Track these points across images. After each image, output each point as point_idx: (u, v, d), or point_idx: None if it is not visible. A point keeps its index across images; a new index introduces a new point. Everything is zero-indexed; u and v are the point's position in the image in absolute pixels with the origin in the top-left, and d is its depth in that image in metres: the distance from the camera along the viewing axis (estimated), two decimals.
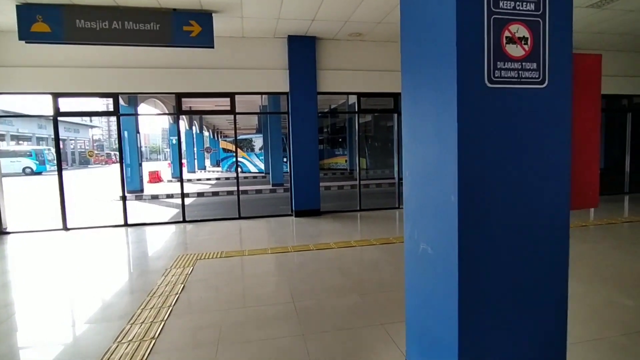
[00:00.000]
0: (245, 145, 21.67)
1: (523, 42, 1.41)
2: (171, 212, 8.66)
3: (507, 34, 1.40)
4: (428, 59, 1.58)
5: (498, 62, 1.40)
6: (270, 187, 13.41)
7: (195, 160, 25.01)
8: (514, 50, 1.41)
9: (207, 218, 7.37)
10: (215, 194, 12.49)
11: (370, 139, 22.86)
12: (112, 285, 3.83)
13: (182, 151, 23.57)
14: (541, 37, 1.43)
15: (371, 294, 3.37)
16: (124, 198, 7.00)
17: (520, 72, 1.42)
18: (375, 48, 7.58)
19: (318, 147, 7.46)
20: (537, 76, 1.44)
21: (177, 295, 3.46)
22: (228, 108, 7.27)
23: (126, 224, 6.92)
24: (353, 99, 13.93)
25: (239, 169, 21.34)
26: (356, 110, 7.81)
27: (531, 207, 1.49)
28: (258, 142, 21.25)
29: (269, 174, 15.22)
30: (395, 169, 15.51)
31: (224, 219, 7.33)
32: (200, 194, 12.34)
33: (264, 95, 13.30)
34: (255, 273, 4.10)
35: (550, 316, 1.56)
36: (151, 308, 3.19)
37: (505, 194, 1.46)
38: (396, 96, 7.88)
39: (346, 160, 21.50)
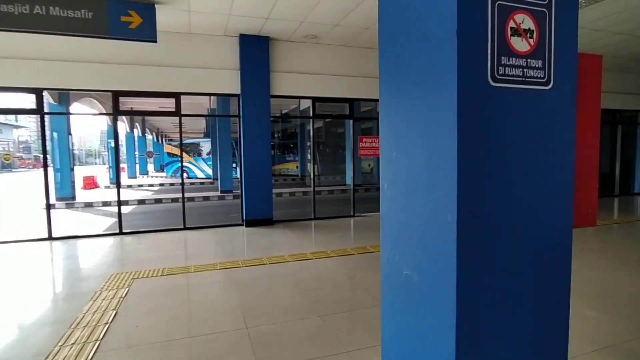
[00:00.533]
0: (192, 149, 20.68)
1: (528, 35, 1.21)
2: (107, 222, 7.81)
3: (512, 24, 1.19)
4: (418, 54, 1.33)
5: (502, 57, 1.18)
6: (218, 193, 12.75)
7: (137, 165, 23.41)
8: (519, 44, 1.20)
9: (148, 229, 6.69)
10: (158, 201, 11.60)
11: (322, 145, 22.85)
12: (24, 316, 3.19)
13: (121, 155, 21.96)
14: (547, 30, 1.24)
15: (333, 315, 3.08)
16: (48, 207, 6.14)
17: (525, 70, 1.22)
18: (330, 52, 7.40)
19: (270, 153, 7.10)
20: (542, 76, 1.24)
21: (107, 325, 2.93)
22: (173, 109, 6.68)
23: (50, 237, 6.06)
24: (305, 104, 13.81)
25: (185, 175, 20.28)
26: (311, 115, 7.56)
27: (539, 226, 1.29)
28: (206, 146, 20.36)
29: (217, 180, 14.52)
30: (348, 175, 15.57)
31: (167, 229, 6.69)
32: (141, 202, 11.40)
33: (212, 98, 12.67)
34: (203, 293, 3.65)
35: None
36: (72, 344, 2.65)
37: (511, 211, 1.24)
38: (352, 102, 7.75)
39: (297, 166, 21.26)
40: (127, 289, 3.71)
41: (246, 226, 6.84)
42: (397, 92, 1.50)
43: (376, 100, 7.98)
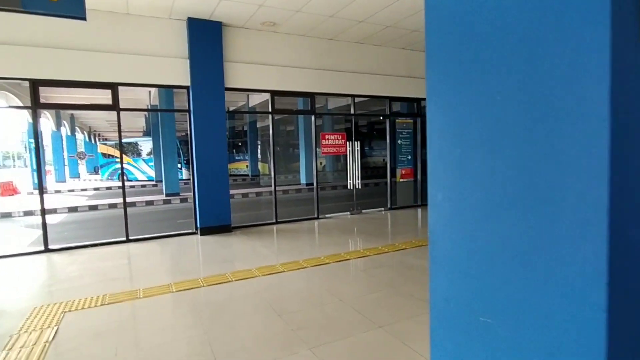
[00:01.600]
0: (130, 149, 19.00)
1: None
2: (30, 237, 6.62)
3: None
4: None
5: None
6: (163, 197, 11.65)
7: (66, 167, 21.04)
8: None
9: (82, 243, 5.69)
10: (93, 208, 10.29)
11: (273, 143, 22.09)
12: None
13: (48, 156, 19.58)
14: None
15: (326, 346, 2.58)
16: None
17: None
18: (291, 41, 6.85)
19: (227, 152, 6.40)
20: None
21: None
22: (109, 102, 5.74)
23: None
24: (255, 100, 13.07)
25: (124, 177, 18.55)
26: (270, 110, 6.95)
27: None
28: (146, 146, 18.80)
29: (161, 182, 13.31)
30: (303, 174, 15.07)
31: (106, 243, 5.75)
32: (72, 209, 10.02)
33: (153, 93, 11.52)
34: (158, 327, 2.96)
35: None
36: None
37: None
38: (313, 96, 7.26)
39: (247, 166, 20.38)
40: (55, 328, 2.91)
41: (201, 234, 6.09)
42: (474, 73, 1.02)
43: (341, 95, 7.57)
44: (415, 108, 8.57)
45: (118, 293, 3.62)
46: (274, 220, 6.97)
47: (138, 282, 3.99)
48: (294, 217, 7.39)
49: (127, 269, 4.57)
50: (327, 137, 7.39)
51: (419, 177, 8.65)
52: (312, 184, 14.59)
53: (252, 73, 6.52)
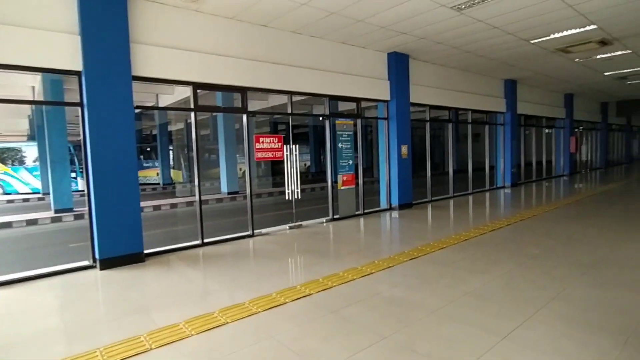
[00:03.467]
0: (9, 156, 15.72)
1: None
2: None
3: None
4: None
5: None
6: (51, 214, 9.37)
7: None
8: None
9: None
10: None
11: (185, 147, 20.17)
12: None
13: None
14: None
15: None
16: None
17: None
18: (218, 24, 5.67)
19: (136, 157, 4.97)
20: None
21: None
22: None
23: None
24: (166, 100, 11.35)
25: None
26: (192, 107, 5.65)
27: None
28: (30, 152, 15.65)
29: (48, 194, 10.84)
30: (223, 182, 13.57)
31: None
32: None
33: (36, 89, 9.22)
34: None
35: None
36: None
37: None
38: (245, 91, 6.13)
39: (157, 174, 18.12)
40: None
41: (101, 268, 4.57)
42: None
43: (277, 92, 6.53)
44: (356, 108, 7.92)
45: None
46: (199, 242, 5.65)
47: (9, 354, 2.53)
48: (223, 233, 6.14)
49: None
50: (262, 140, 6.31)
51: (360, 183, 8.00)
52: (235, 193, 13.29)
53: (168, 60, 5.19)
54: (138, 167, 5.14)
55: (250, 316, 3.10)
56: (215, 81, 5.70)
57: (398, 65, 8.17)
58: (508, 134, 11.99)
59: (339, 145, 7.49)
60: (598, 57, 9.08)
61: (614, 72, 11.20)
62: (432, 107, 9.50)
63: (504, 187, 12.03)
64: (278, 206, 11.03)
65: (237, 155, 14.37)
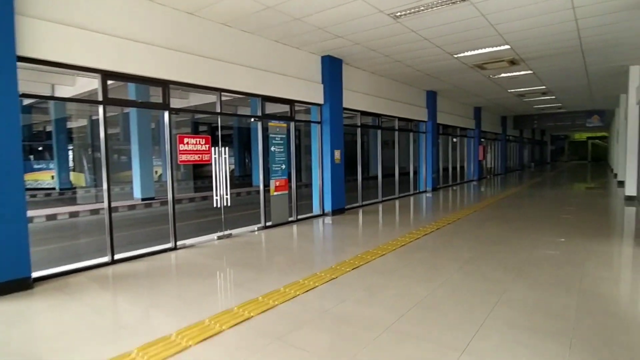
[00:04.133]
0: None
1: None
2: None
3: None
4: None
5: None
6: None
7: None
8: None
9: None
10: None
11: (89, 147, 18.00)
12: None
13: None
14: None
15: None
16: None
17: None
18: (138, 5, 4.94)
19: (22, 158, 4.01)
20: None
21: None
22: None
23: None
24: (65, 92, 9.82)
25: None
26: (101, 99, 4.79)
27: None
28: None
29: None
30: (136, 186, 12.16)
31: None
32: None
33: None
34: None
35: None
36: None
37: None
38: (167, 85, 5.42)
39: (52, 177, 15.79)
40: None
41: None
42: None
43: (204, 88, 5.89)
44: (290, 111, 7.58)
45: None
46: (108, 259, 4.78)
47: None
48: (139, 247, 5.33)
49: None
50: (187, 141, 5.63)
51: (293, 188, 7.66)
52: (150, 199, 12.01)
53: (70, 40, 4.32)
54: (27, 169, 4.15)
55: (179, 353, 2.55)
56: (131, 71, 4.92)
57: (332, 69, 8.05)
58: (429, 141, 12.67)
59: (272, 148, 7.07)
60: (506, 75, 9.99)
61: (515, 90, 12.50)
62: (363, 113, 9.57)
63: (425, 191, 12.65)
64: (203, 213, 10.20)
65: (153, 157, 13.11)
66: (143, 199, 11.83)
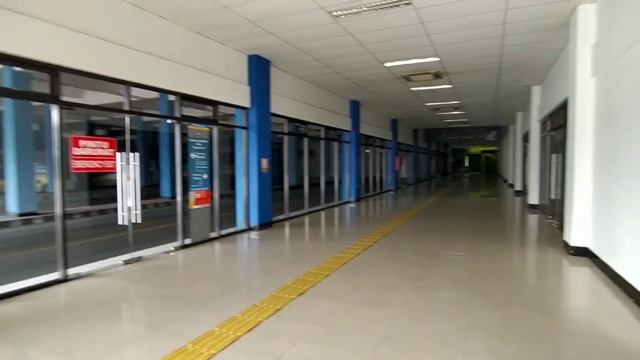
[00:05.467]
0: None
1: None
2: None
3: None
4: None
5: None
6: None
7: None
8: None
9: None
10: None
11: None
12: None
13: None
14: None
15: None
16: None
17: None
18: None
19: None
20: None
21: None
22: None
23: None
24: None
25: None
26: None
27: None
28: None
29: None
30: (10, 199, 9.83)
31: None
32: None
33: None
34: None
35: None
36: None
37: None
38: (56, 72, 4.24)
39: None
40: None
41: None
42: None
43: (109, 79, 4.78)
44: (213, 113, 6.71)
45: None
46: None
47: None
48: (11, 278, 4.03)
49: None
50: (83, 144, 4.49)
51: (216, 199, 6.77)
52: (31, 214, 9.84)
53: None
54: None
55: None
56: (6, 49, 3.71)
57: (259, 71, 7.39)
58: (353, 151, 12.65)
59: (192, 155, 6.14)
60: (427, 88, 10.37)
61: (432, 103, 13.18)
62: (290, 120, 9.06)
63: (349, 201, 12.56)
64: (102, 231, 8.64)
65: (36, 163, 10.91)
66: (21, 214, 9.69)
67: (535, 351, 2.63)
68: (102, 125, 18.85)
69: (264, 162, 7.67)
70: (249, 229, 7.49)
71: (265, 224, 7.68)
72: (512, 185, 17.98)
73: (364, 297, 3.74)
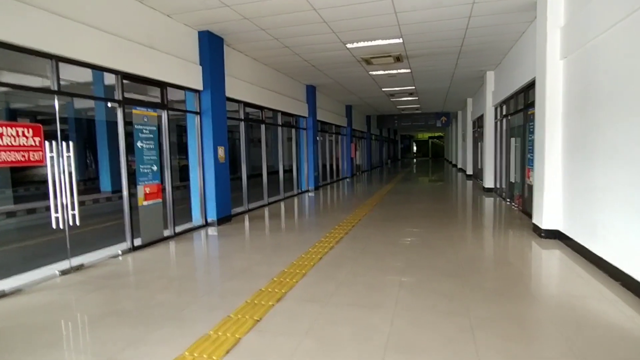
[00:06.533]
0: None
1: None
2: None
3: None
4: None
5: None
6: None
7: None
8: None
9: None
10: None
11: None
12: None
13: None
14: None
15: None
16: None
17: None
18: None
19: None
20: None
21: None
22: None
23: None
24: None
25: None
26: None
27: None
28: None
29: None
30: None
31: None
32: None
33: None
34: None
35: None
36: None
37: None
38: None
39: None
40: None
41: None
42: None
43: (29, 52, 3.88)
44: (161, 96, 5.91)
45: None
46: None
47: None
48: None
49: None
50: (4, 128, 3.63)
51: (169, 192, 6.04)
52: None
53: None
54: None
55: None
56: None
57: (212, 49, 6.66)
58: (310, 138, 12.22)
59: (139, 144, 5.36)
60: (386, 72, 10.16)
61: (388, 89, 13.07)
62: (246, 105, 8.40)
63: (308, 190, 12.17)
64: (31, 234, 7.51)
65: None
66: None
67: (551, 350, 2.43)
68: (27, 113, 16.64)
69: (221, 151, 7.01)
70: (207, 225, 6.84)
71: (224, 219, 7.07)
72: (462, 170, 18.63)
73: (351, 298, 3.38)
